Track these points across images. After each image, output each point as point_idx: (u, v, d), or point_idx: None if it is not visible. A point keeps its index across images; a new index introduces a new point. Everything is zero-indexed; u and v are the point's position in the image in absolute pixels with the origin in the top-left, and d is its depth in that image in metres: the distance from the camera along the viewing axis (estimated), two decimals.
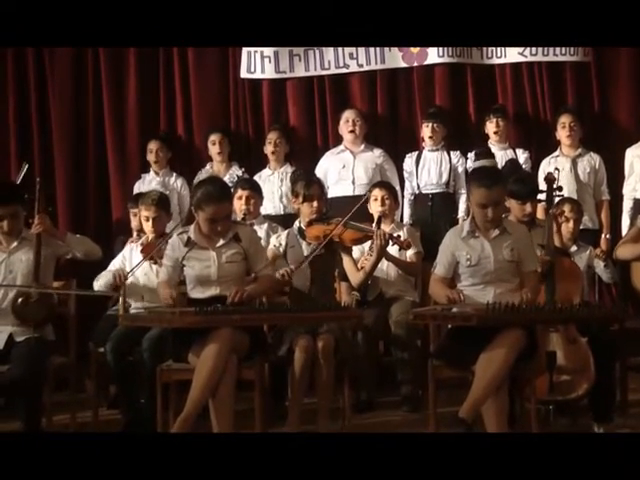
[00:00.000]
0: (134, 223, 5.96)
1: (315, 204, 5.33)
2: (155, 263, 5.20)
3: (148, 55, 7.11)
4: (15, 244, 4.80)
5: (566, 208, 5.41)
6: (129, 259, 5.50)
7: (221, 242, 4.52)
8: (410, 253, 5.62)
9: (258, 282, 4.57)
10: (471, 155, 6.50)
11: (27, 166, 5.23)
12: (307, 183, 5.42)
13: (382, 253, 5.31)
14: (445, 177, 6.52)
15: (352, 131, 6.67)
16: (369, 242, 5.38)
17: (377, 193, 5.81)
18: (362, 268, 5.37)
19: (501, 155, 6.40)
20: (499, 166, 6.08)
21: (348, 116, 6.71)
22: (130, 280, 5.28)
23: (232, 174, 6.60)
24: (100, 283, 5.32)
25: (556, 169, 5.48)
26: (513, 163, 6.11)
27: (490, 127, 6.53)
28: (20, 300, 4.71)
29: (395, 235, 5.33)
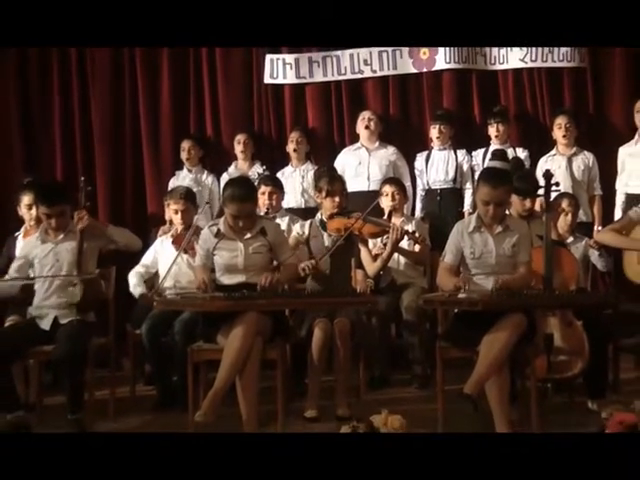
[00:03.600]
0: (168, 215, 5.97)
1: (337, 199, 5.32)
2: (186, 253, 5.23)
3: (180, 62, 7.16)
4: (62, 236, 4.84)
5: (564, 202, 5.41)
6: (161, 251, 5.55)
7: (248, 235, 4.54)
8: (419, 245, 5.60)
9: (284, 270, 4.60)
10: (478, 153, 6.51)
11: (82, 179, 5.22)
12: (330, 180, 5.41)
13: (396, 246, 5.30)
14: (452, 174, 6.52)
15: (367, 127, 6.67)
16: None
17: (388, 189, 5.82)
18: (376, 258, 5.36)
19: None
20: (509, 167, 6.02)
21: (364, 115, 6.74)
22: (162, 269, 5.33)
23: (254, 172, 6.60)
24: (135, 283, 5.47)
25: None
26: (517, 161, 6.07)
27: (491, 131, 6.52)
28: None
29: (407, 228, 5.34)
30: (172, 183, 6.74)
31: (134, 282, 5.48)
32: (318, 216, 5.45)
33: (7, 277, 4.84)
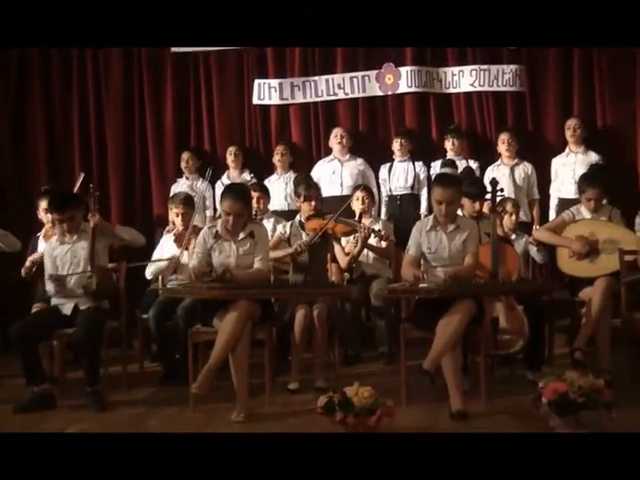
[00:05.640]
0: (171, 217, 5.95)
1: (313, 203, 5.35)
2: (186, 249, 5.22)
3: (181, 86, 7.14)
4: (76, 237, 4.84)
5: (507, 205, 5.45)
6: (165, 247, 5.57)
7: (241, 236, 4.52)
8: (385, 242, 5.62)
9: (250, 271, 4.49)
10: (436, 164, 6.53)
11: (83, 175, 5.22)
12: (307, 186, 5.45)
13: (365, 243, 5.32)
14: (410, 182, 6.54)
15: (340, 143, 6.68)
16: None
17: (358, 194, 5.80)
18: (349, 253, 5.38)
19: (457, 165, 6.41)
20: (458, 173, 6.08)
21: (337, 132, 6.73)
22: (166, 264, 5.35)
23: (243, 178, 6.60)
24: (152, 271, 5.49)
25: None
26: (468, 170, 6.13)
27: (447, 144, 6.56)
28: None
29: (375, 229, 5.35)
30: (173, 189, 6.71)
31: (150, 271, 5.51)
32: (297, 218, 5.46)
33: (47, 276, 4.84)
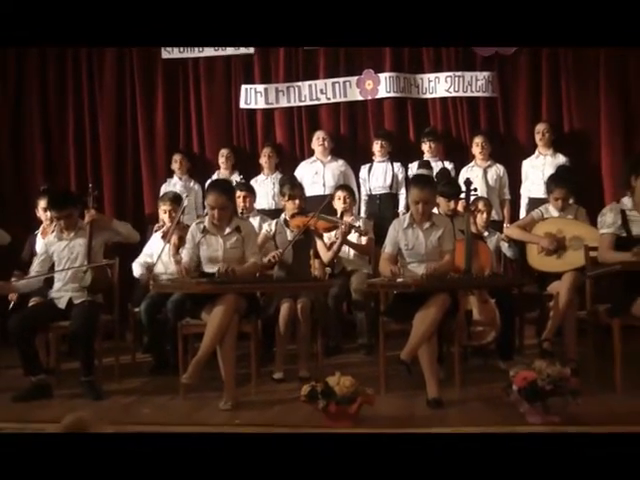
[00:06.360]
0: (161, 214, 5.95)
1: (297, 202, 5.36)
2: (168, 242, 5.22)
3: (171, 92, 7.15)
4: (73, 234, 4.83)
5: (480, 204, 5.48)
6: (153, 243, 5.57)
7: (227, 230, 4.52)
8: (364, 238, 5.64)
9: (247, 265, 4.51)
10: (413, 165, 6.55)
11: (90, 186, 5.22)
12: (292, 186, 5.47)
13: (346, 238, 5.35)
14: (388, 182, 6.54)
15: (322, 145, 6.69)
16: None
17: (340, 194, 5.83)
18: (331, 247, 5.40)
19: (433, 166, 6.44)
20: (434, 174, 6.13)
21: (319, 135, 6.74)
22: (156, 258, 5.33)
23: (233, 179, 6.60)
24: (137, 270, 5.50)
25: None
26: (444, 171, 6.17)
27: (424, 147, 6.57)
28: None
29: (356, 225, 5.38)
30: (164, 188, 6.69)
31: (137, 270, 5.49)
32: (282, 216, 5.47)
33: (32, 273, 4.82)
